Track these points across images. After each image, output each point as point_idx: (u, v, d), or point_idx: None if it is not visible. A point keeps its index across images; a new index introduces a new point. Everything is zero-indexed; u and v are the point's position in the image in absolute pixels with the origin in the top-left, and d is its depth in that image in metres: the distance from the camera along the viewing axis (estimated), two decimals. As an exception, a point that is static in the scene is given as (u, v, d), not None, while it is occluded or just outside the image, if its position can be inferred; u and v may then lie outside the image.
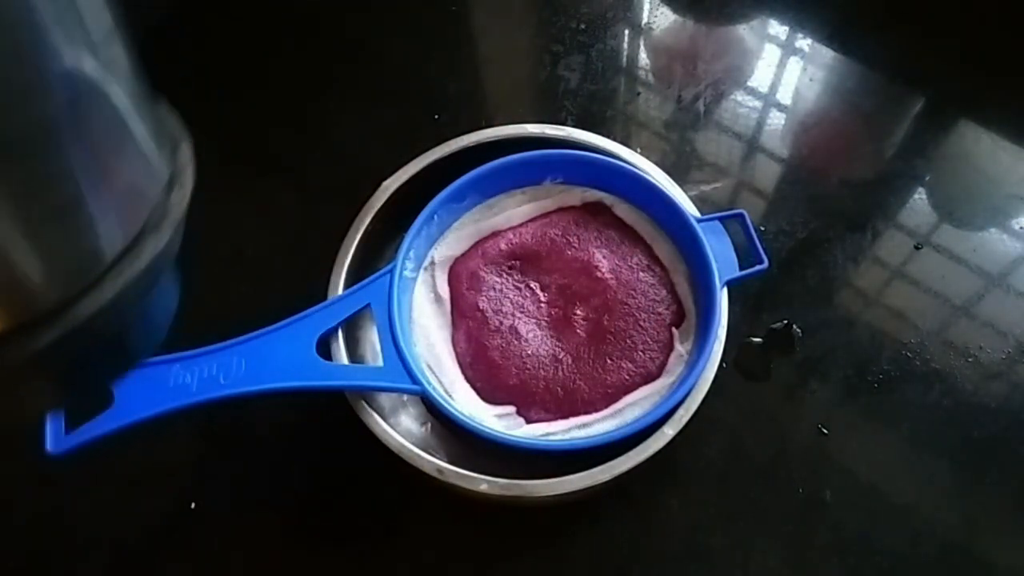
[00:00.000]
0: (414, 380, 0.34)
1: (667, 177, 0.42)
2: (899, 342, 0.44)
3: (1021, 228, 0.48)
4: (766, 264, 0.38)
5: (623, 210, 0.42)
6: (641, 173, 0.41)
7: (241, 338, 0.34)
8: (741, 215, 0.40)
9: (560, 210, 0.43)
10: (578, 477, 0.33)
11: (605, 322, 0.38)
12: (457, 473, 0.33)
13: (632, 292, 0.40)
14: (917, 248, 0.48)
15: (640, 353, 0.38)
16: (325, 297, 0.37)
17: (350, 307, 0.36)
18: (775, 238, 0.48)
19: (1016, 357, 0.43)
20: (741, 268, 0.38)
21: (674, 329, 0.39)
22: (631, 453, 0.33)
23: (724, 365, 0.36)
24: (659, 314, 0.39)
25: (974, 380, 0.43)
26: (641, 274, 0.40)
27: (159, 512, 0.40)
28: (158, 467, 0.41)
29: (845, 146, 0.53)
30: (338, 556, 0.39)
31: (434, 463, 0.33)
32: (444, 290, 0.40)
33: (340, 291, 0.38)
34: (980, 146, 0.52)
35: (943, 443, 0.41)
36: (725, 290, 0.37)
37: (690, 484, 0.40)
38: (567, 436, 0.36)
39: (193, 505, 0.40)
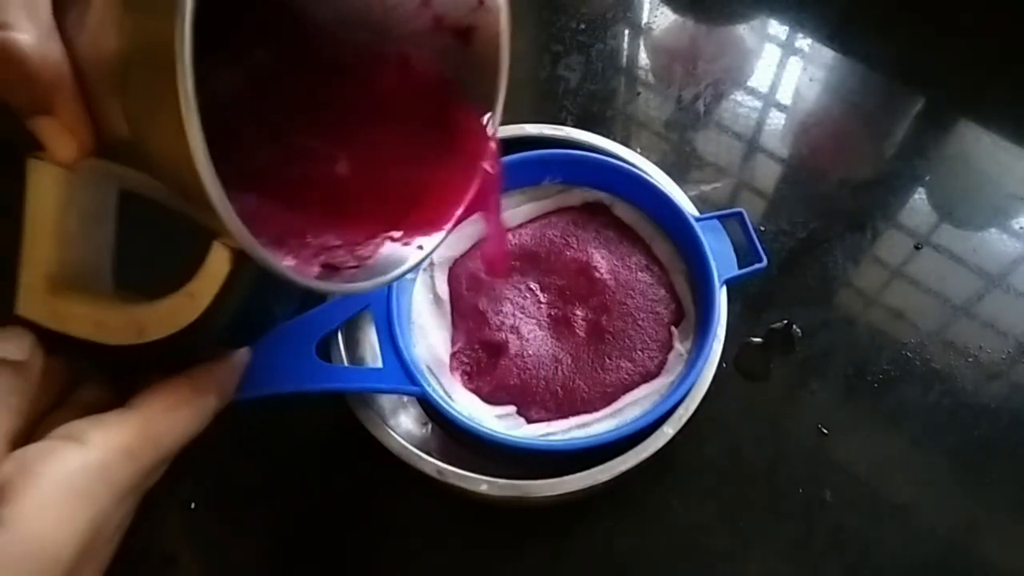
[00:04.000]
0: (414, 381, 0.34)
1: (666, 176, 0.42)
2: (899, 342, 0.44)
3: (1021, 228, 0.48)
4: (765, 262, 0.38)
5: (622, 210, 0.42)
6: (639, 172, 0.41)
7: None
8: (740, 214, 0.39)
9: (559, 210, 0.43)
10: (578, 477, 0.33)
11: (604, 322, 0.38)
12: (457, 474, 0.33)
13: (631, 292, 0.40)
14: (917, 248, 0.48)
15: (639, 352, 0.38)
16: (323, 298, 0.37)
17: (349, 309, 0.36)
18: (775, 238, 0.48)
19: (1016, 357, 0.43)
20: (740, 267, 0.38)
21: (673, 328, 0.39)
22: (631, 452, 0.33)
23: (724, 365, 0.36)
24: (658, 313, 0.39)
25: (974, 380, 0.43)
26: (640, 274, 0.40)
27: (160, 512, 0.40)
28: (158, 467, 0.41)
29: (845, 146, 0.53)
30: (338, 557, 0.39)
31: (434, 464, 0.33)
32: (443, 291, 0.40)
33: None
34: (980, 146, 0.52)
35: (943, 443, 0.41)
36: (724, 289, 0.37)
37: (690, 484, 0.40)
38: (567, 436, 0.36)
39: (193, 505, 0.40)
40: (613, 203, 0.42)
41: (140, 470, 0.22)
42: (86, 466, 0.20)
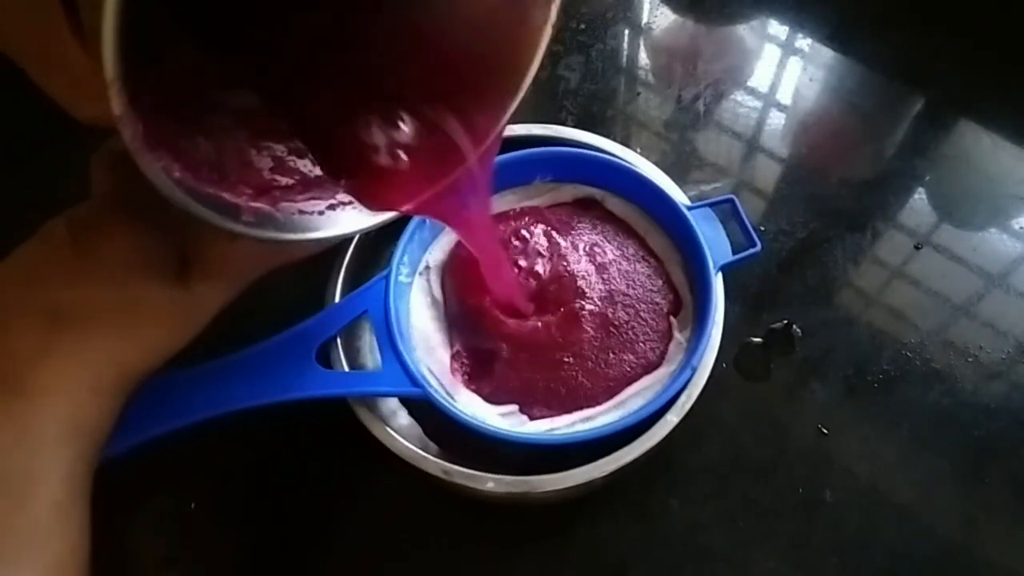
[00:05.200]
0: (415, 383, 0.34)
1: (656, 169, 0.41)
2: (899, 342, 0.44)
3: (1021, 228, 0.48)
4: (759, 247, 0.38)
5: (614, 204, 0.42)
6: (629, 166, 0.41)
7: (241, 351, 0.34)
8: (731, 200, 0.39)
9: (550, 207, 0.43)
10: (583, 470, 0.33)
11: (607, 315, 0.38)
12: (463, 473, 0.33)
13: (630, 284, 0.40)
14: (917, 248, 0.48)
15: (641, 344, 0.38)
16: (322, 305, 0.37)
17: (348, 314, 0.36)
18: (775, 238, 0.48)
19: (1016, 357, 0.43)
20: (735, 253, 0.38)
21: (672, 318, 0.39)
22: (636, 443, 0.33)
23: (724, 365, 0.36)
24: (657, 304, 0.39)
25: (974, 380, 0.43)
26: (636, 265, 0.40)
27: (159, 513, 0.40)
28: (158, 467, 0.41)
29: (845, 146, 0.53)
30: (338, 557, 0.39)
31: (439, 464, 0.33)
32: (440, 293, 0.40)
33: (337, 299, 0.38)
34: (980, 146, 0.52)
35: (943, 443, 0.41)
36: (720, 276, 0.37)
37: (690, 484, 0.40)
38: (571, 430, 0.36)
39: (193, 505, 0.40)
40: (605, 197, 0.42)
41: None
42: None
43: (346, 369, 0.36)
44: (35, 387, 0.24)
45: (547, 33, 0.28)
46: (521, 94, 0.29)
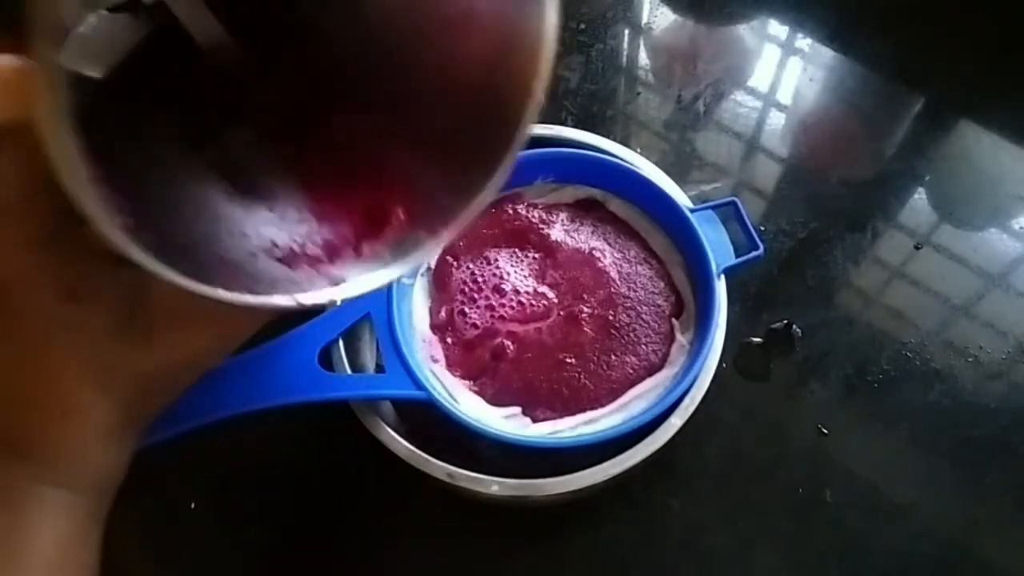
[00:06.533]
0: (419, 386, 0.34)
1: (659, 171, 0.41)
2: (899, 342, 0.44)
3: (1021, 228, 0.48)
4: (761, 250, 0.38)
5: (616, 205, 0.42)
6: (631, 167, 0.41)
7: (242, 354, 0.33)
8: (734, 203, 0.39)
9: (552, 208, 0.43)
10: (588, 473, 0.33)
11: (610, 317, 0.39)
12: (468, 476, 0.33)
13: (632, 285, 0.40)
14: (917, 248, 0.48)
15: (643, 347, 0.38)
16: (323, 307, 0.37)
17: (350, 317, 0.36)
18: (775, 238, 0.48)
19: (1016, 357, 0.43)
20: (737, 256, 0.38)
21: (674, 320, 0.39)
22: (640, 445, 0.33)
23: (724, 365, 0.36)
24: (659, 306, 0.39)
25: (974, 380, 0.43)
26: (639, 267, 0.40)
27: (160, 513, 0.40)
28: (158, 467, 0.41)
29: (845, 146, 0.53)
30: (339, 559, 0.39)
31: (444, 467, 0.33)
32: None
33: (339, 301, 0.37)
34: (980, 146, 0.52)
35: (943, 443, 0.41)
36: (723, 278, 0.37)
37: (690, 484, 0.40)
38: (575, 433, 0.36)
39: (193, 505, 0.40)
40: (607, 199, 0.42)
41: None
42: None
43: (348, 372, 0.36)
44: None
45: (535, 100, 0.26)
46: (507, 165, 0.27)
